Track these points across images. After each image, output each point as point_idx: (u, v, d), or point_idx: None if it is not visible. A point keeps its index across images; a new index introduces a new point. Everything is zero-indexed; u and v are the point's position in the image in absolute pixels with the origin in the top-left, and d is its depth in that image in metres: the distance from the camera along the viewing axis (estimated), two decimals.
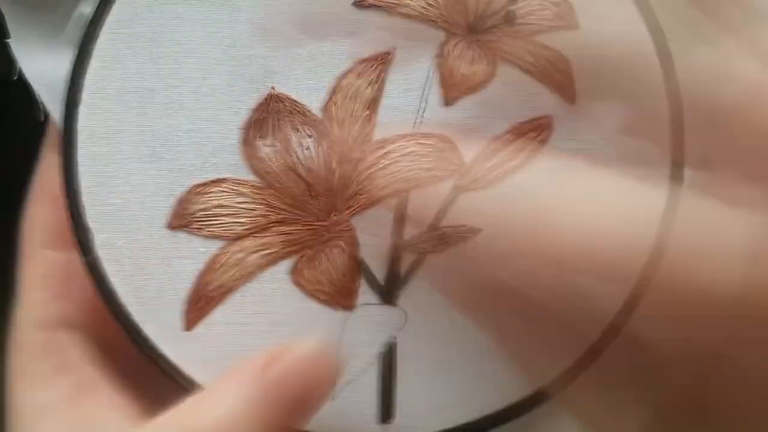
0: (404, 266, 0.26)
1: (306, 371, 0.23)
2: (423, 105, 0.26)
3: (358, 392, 0.25)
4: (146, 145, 0.25)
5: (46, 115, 0.29)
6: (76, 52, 0.25)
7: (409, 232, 0.26)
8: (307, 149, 0.26)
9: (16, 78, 0.28)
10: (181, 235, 0.25)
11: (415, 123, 0.26)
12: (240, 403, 0.23)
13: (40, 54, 0.29)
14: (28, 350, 0.26)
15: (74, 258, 0.25)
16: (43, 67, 0.29)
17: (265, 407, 0.23)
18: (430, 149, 0.26)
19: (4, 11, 0.29)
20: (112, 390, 0.26)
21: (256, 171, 0.25)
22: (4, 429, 0.26)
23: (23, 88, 0.28)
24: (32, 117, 0.27)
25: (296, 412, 0.23)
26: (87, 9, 0.28)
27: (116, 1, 0.25)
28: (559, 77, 0.26)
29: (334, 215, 0.26)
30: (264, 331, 0.25)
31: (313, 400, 0.24)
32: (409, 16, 0.26)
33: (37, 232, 0.27)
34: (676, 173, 0.26)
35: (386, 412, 0.26)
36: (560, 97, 0.26)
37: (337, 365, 0.24)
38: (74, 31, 0.28)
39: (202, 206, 0.25)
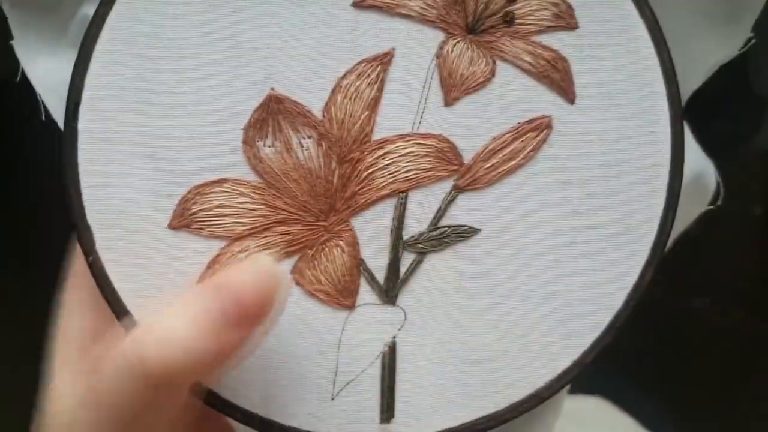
0: (404, 266, 0.26)
1: (246, 275, 0.22)
2: (422, 105, 0.26)
3: (359, 391, 0.25)
4: (146, 145, 0.25)
5: (48, 117, 0.29)
6: (78, 52, 0.25)
7: (409, 231, 0.26)
8: (307, 150, 0.26)
9: (19, 80, 0.28)
10: (183, 235, 0.25)
11: (414, 123, 0.26)
12: (172, 309, 0.22)
13: (43, 56, 0.29)
14: (69, 371, 0.25)
15: None
16: (46, 69, 0.29)
17: (212, 314, 0.22)
18: (430, 149, 0.26)
19: (7, 14, 0.29)
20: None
21: (256, 171, 0.25)
22: None
23: (27, 89, 0.28)
24: (36, 118, 0.28)
25: (234, 314, 0.22)
26: (91, 10, 0.28)
27: (117, 2, 0.25)
28: (558, 77, 0.26)
29: (334, 215, 0.26)
30: (265, 330, 0.25)
31: (258, 303, 0.22)
32: (408, 17, 0.26)
33: (83, 283, 0.26)
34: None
35: (387, 411, 0.26)
36: (559, 96, 0.26)
37: (278, 272, 0.23)
38: (78, 32, 0.28)
39: (203, 206, 0.25)
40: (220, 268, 0.23)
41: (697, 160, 0.28)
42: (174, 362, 0.21)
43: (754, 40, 0.29)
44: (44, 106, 0.29)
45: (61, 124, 0.27)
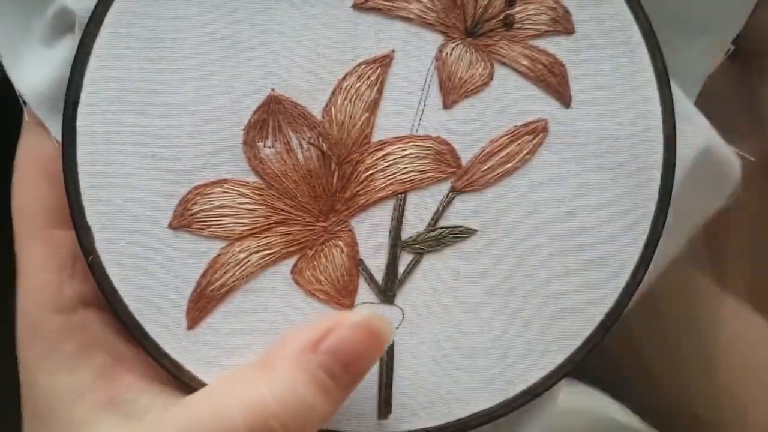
0: (402, 266, 0.26)
1: (360, 339, 0.24)
2: (421, 107, 0.26)
3: (357, 388, 0.26)
4: (147, 145, 0.25)
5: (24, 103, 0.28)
6: (77, 53, 0.25)
7: (407, 232, 0.26)
8: (307, 151, 0.26)
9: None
10: (183, 235, 0.26)
11: (413, 125, 0.26)
12: (300, 379, 0.23)
13: (23, 50, 0.28)
14: (46, 336, 0.25)
15: None
16: (26, 64, 0.28)
17: (328, 380, 0.23)
18: (428, 151, 0.26)
19: None
20: (143, 363, 0.25)
21: (257, 172, 0.26)
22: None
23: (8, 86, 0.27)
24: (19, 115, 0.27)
25: (354, 377, 0.24)
26: (70, 2, 0.28)
27: (116, 1, 0.25)
28: (554, 81, 0.26)
29: (334, 216, 0.26)
30: (265, 329, 0.26)
31: (370, 362, 0.24)
32: (407, 20, 0.26)
33: (34, 211, 0.26)
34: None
35: (384, 407, 0.26)
36: (556, 100, 0.26)
37: (386, 325, 0.25)
38: (53, 24, 0.28)
39: (203, 206, 0.26)
40: (328, 328, 0.24)
41: (716, 148, 0.28)
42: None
43: (732, 50, 0.29)
44: (21, 98, 0.28)
45: (49, 125, 0.27)
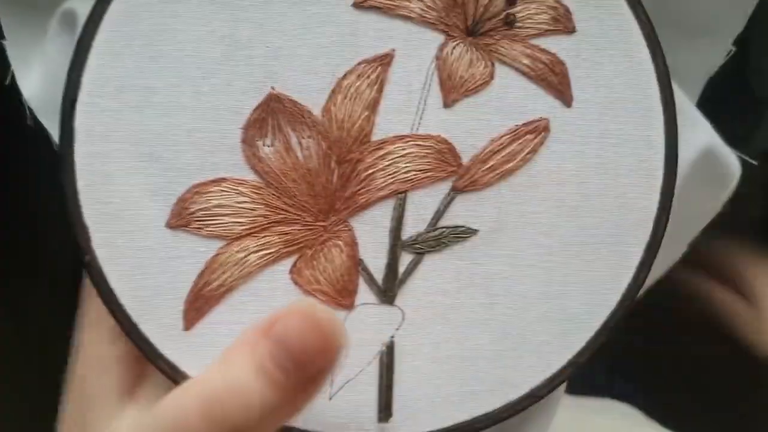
0: (402, 266, 0.26)
1: (304, 330, 0.22)
2: (422, 106, 0.26)
3: (357, 390, 0.26)
4: (145, 144, 0.25)
5: (36, 122, 0.28)
6: (76, 51, 0.25)
7: (407, 232, 0.26)
8: (306, 149, 0.26)
9: (8, 83, 0.28)
10: (181, 235, 0.25)
11: (413, 124, 0.26)
12: (247, 367, 0.22)
13: (35, 56, 0.29)
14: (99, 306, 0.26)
15: None
16: (36, 71, 0.28)
17: (274, 369, 0.22)
18: (429, 150, 0.26)
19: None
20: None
21: (256, 171, 0.25)
22: None
23: (14, 92, 0.27)
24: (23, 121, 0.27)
25: (304, 371, 0.22)
26: (76, 5, 0.28)
27: (116, 0, 0.25)
28: (555, 80, 0.26)
29: (333, 215, 0.26)
30: None
31: (320, 357, 0.22)
32: (408, 18, 0.26)
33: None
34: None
35: (385, 410, 0.26)
36: (557, 99, 0.26)
37: (333, 321, 0.22)
38: (59, 28, 0.28)
39: (202, 206, 0.25)
40: (276, 318, 0.23)
41: (717, 149, 0.28)
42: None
43: (732, 52, 0.29)
44: (30, 110, 0.28)
45: (49, 127, 0.27)
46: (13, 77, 0.28)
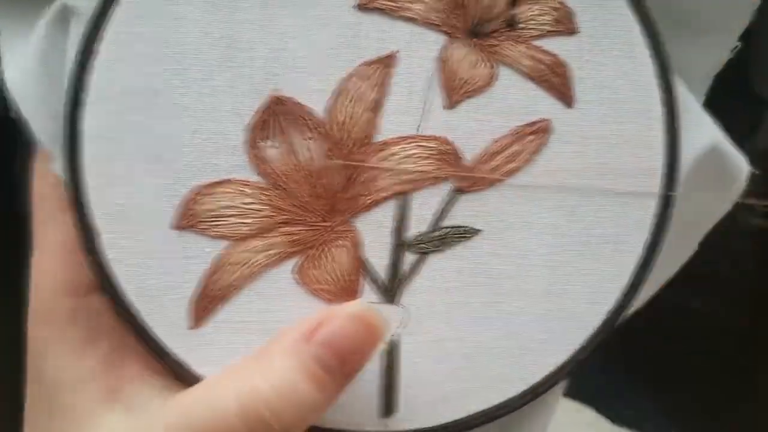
0: (406, 266, 0.26)
1: (354, 331, 0.24)
2: (424, 108, 0.26)
3: (362, 387, 0.26)
4: (150, 145, 0.25)
5: (13, 112, 0.28)
6: (80, 53, 0.25)
7: (411, 232, 0.26)
8: (309, 151, 0.26)
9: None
10: (187, 235, 0.26)
11: (416, 125, 0.26)
12: (294, 370, 0.23)
13: (21, 51, 0.28)
14: (56, 319, 0.25)
15: None
16: (20, 63, 0.28)
17: (321, 371, 0.23)
18: (432, 151, 0.26)
19: None
20: (149, 356, 0.26)
21: (260, 172, 0.26)
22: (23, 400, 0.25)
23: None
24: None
25: (348, 370, 0.24)
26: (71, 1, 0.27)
27: (119, 2, 0.25)
28: (557, 81, 0.26)
29: (337, 216, 0.26)
30: (269, 329, 0.26)
31: (364, 356, 0.24)
32: (411, 20, 0.26)
33: (52, 194, 0.26)
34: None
35: (388, 406, 0.26)
36: (559, 100, 0.26)
37: (381, 320, 0.24)
38: (52, 22, 0.28)
39: (207, 206, 0.26)
40: (321, 319, 0.24)
41: (722, 147, 0.28)
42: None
43: (738, 48, 0.29)
44: (11, 102, 0.28)
45: (39, 121, 0.27)
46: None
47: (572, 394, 0.30)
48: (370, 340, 0.24)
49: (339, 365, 0.24)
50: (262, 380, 0.23)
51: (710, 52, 0.29)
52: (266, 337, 0.26)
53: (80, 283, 0.26)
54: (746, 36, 0.28)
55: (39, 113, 0.26)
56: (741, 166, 0.28)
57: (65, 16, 0.26)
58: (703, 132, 0.28)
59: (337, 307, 0.25)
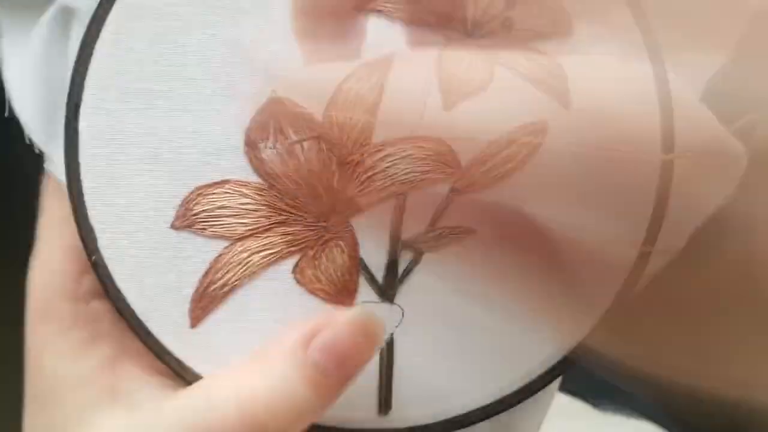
0: (402, 265, 0.27)
1: (352, 337, 0.24)
2: (421, 109, 0.26)
3: (358, 385, 0.26)
4: (149, 145, 0.26)
5: (12, 112, 0.28)
6: (80, 52, 0.26)
7: (407, 232, 0.27)
8: (307, 152, 0.26)
9: None
10: (185, 235, 0.26)
11: (413, 127, 0.26)
12: (292, 374, 0.24)
13: (22, 52, 0.28)
14: (58, 321, 0.26)
15: None
16: (20, 62, 0.28)
17: (320, 376, 0.24)
18: (428, 152, 0.26)
19: None
20: (148, 356, 0.26)
21: (258, 172, 0.26)
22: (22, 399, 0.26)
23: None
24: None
25: (345, 375, 0.24)
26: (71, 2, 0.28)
27: (117, 2, 0.25)
28: (554, 83, 0.26)
29: (334, 216, 0.26)
30: (267, 328, 0.26)
31: (361, 362, 0.25)
32: (408, 21, 0.26)
33: (59, 200, 0.26)
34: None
35: (385, 403, 0.27)
36: (555, 102, 0.27)
37: (379, 325, 0.25)
38: (52, 22, 0.28)
39: (205, 207, 0.26)
40: (320, 324, 0.25)
41: (721, 138, 0.28)
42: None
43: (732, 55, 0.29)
44: (9, 101, 0.28)
45: (37, 122, 0.27)
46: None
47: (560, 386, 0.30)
48: (367, 347, 0.24)
49: (336, 370, 0.24)
50: (261, 382, 0.24)
51: (705, 56, 0.29)
52: (264, 337, 0.26)
53: (82, 291, 0.26)
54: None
55: (39, 114, 0.26)
56: (740, 154, 0.28)
57: (66, 16, 0.26)
58: (701, 124, 0.28)
59: (337, 312, 0.25)
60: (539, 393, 0.27)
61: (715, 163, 0.28)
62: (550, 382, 0.27)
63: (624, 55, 0.27)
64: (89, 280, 0.26)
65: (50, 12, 0.27)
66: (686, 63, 0.28)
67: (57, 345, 0.26)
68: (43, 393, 0.26)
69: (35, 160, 0.28)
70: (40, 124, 0.26)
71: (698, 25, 0.28)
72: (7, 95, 0.27)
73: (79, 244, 0.26)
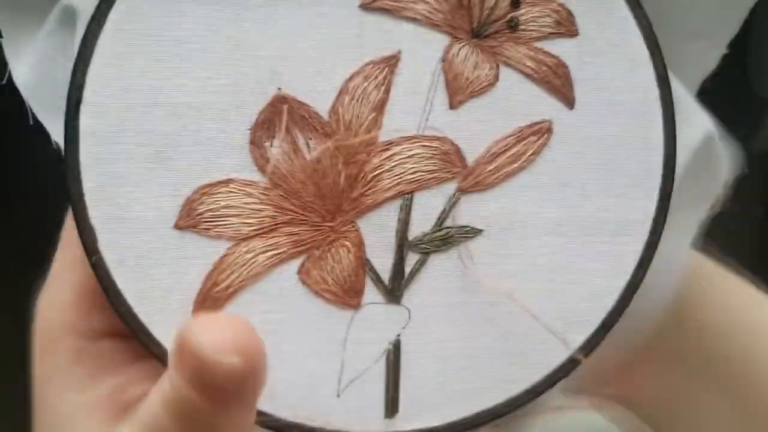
0: (408, 266, 0.26)
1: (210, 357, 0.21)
2: (428, 108, 0.26)
3: (365, 388, 0.26)
4: (151, 144, 0.25)
5: (36, 121, 0.28)
6: (81, 50, 0.25)
7: (414, 232, 0.26)
8: (313, 151, 0.26)
9: (4, 82, 0.27)
10: (189, 236, 0.25)
11: (419, 125, 0.26)
12: (157, 402, 0.22)
13: (29, 55, 0.28)
14: (62, 354, 0.25)
15: None
16: (29, 66, 0.28)
17: (180, 402, 0.21)
18: (435, 152, 0.26)
19: None
20: (153, 372, 0.24)
21: (263, 172, 0.26)
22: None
23: (12, 91, 0.27)
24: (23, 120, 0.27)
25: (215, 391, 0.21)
26: (75, 2, 0.27)
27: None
28: (558, 83, 0.27)
29: (341, 216, 0.26)
30: (272, 330, 0.25)
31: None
32: (414, 20, 0.26)
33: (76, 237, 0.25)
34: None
35: (391, 406, 0.26)
36: (560, 101, 0.27)
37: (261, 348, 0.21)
38: (56, 23, 0.27)
39: (209, 206, 0.25)
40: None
41: (716, 139, 0.29)
42: None
43: (726, 54, 0.29)
44: (30, 109, 0.28)
45: (53, 124, 0.27)
46: (10, 75, 0.28)
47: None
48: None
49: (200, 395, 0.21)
50: (146, 410, 0.22)
51: (700, 58, 0.30)
52: (269, 339, 0.25)
53: (91, 328, 0.25)
54: (746, 37, 0.28)
55: (48, 114, 0.26)
56: (733, 152, 0.29)
57: (71, 16, 0.26)
58: (697, 125, 0.29)
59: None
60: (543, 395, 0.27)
61: (710, 164, 0.29)
62: (556, 383, 0.27)
63: (626, 55, 0.27)
64: (101, 320, 0.25)
65: (55, 11, 0.27)
66: (681, 63, 0.29)
67: (60, 378, 0.25)
68: (48, 421, 0.25)
69: (37, 163, 0.27)
70: (52, 125, 0.26)
71: (693, 25, 0.28)
72: (27, 104, 0.27)
73: (93, 281, 0.25)
